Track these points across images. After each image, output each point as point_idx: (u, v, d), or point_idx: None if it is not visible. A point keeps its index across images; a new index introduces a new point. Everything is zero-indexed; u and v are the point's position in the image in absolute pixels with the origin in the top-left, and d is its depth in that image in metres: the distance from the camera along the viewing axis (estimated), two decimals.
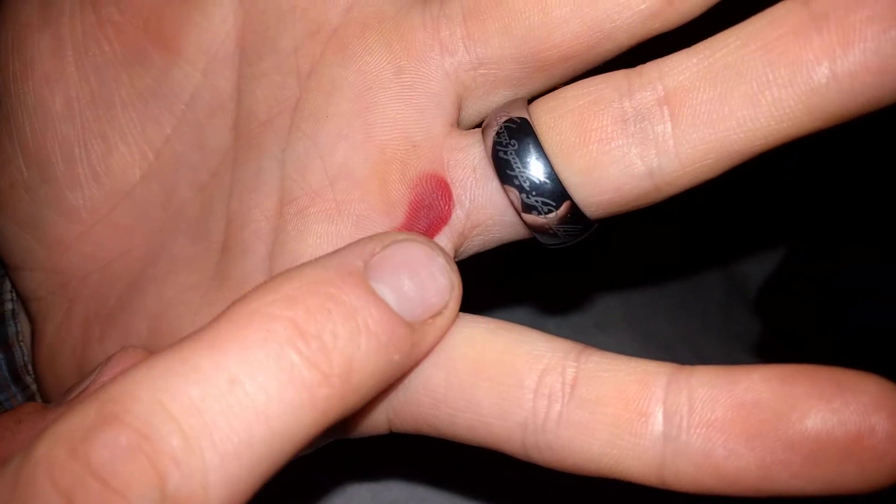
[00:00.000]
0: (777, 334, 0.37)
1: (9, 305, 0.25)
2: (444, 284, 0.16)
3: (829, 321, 0.36)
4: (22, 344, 0.24)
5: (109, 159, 0.21)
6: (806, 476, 0.15)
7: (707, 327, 0.36)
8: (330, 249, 0.19)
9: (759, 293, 0.39)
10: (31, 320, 0.23)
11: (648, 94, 0.17)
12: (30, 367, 0.24)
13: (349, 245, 0.16)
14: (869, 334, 0.34)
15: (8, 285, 0.25)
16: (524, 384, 0.17)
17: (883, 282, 0.34)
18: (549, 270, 0.34)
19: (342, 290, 0.15)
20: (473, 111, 0.20)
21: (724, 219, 0.37)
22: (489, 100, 0.19)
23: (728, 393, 0.15)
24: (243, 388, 0.13)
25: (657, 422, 0.16)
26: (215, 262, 0.20)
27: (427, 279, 0.16)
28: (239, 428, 0.13)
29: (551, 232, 0.18)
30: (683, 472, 0.15)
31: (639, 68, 0.17)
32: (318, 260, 0.16)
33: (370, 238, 0.16)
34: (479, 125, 0.20)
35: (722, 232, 0.38)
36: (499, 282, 0.32)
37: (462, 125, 0.20)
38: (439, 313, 0.16)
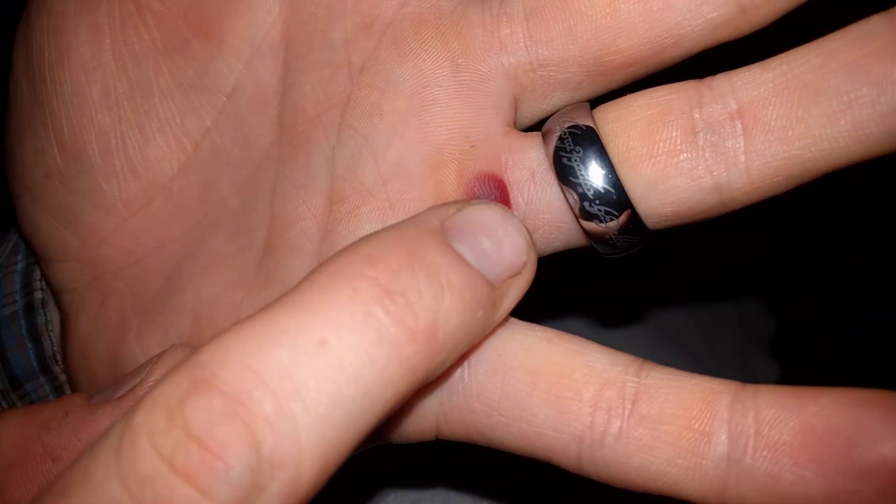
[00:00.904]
0: (790, 334, 0.37)
1: (38, 294, 0.24)
2: (521, 244, 0.16)
3: (837, 322, 0.36)
4: (51, 334, 0.24)
5: (146, 151, 0.21)
6: None
7: (722, 325, 0.36)
8: None
9: (774, 292, 0.39)
10: (63, 311, 0.23)
11: (720, 107, 0.17)
12: (58, 358, 0.24)
13: (423, 211, 0.16)
14: (876, 335, 0.34)
15: (37, 274, 0.24)
16: (582, 397, 0.16)
17: (891, 283, 0.34)
18: (564, 269, 0.34)
19: (424, 248, 0.15)
20: (528, 113, 0.19)
21: (742, 217, 0.36)
22: (546, 102, 0.19)
23: (797, 416, 0.15)
24: (332, 349, 0.13)
25: (721, 442, 0.15)
26: (257, 260, 0.20)
27: (504, 238, 0.16)
28: (329, 389, 0.13)
29: (610, 241, 0.18)
30: (747, 496, 0.15)
31: (709, 80, 0.17)
32: (394, 225, 0.16)
33: (444, 203, 0.16)
34: (531, 128, 0.19)
35: (740, 230, 0.38)
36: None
37: (516, 128, 0.19)
38: (518, 273, 0.16)
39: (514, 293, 0.16)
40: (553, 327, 0.18)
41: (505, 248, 0.16)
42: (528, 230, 0.17)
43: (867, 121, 0.15)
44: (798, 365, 0.34)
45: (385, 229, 0.15)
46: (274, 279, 0.19)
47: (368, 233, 0.18)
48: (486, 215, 0.16)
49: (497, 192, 0.18)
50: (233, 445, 0.13)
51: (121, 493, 0.12)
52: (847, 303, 0.36)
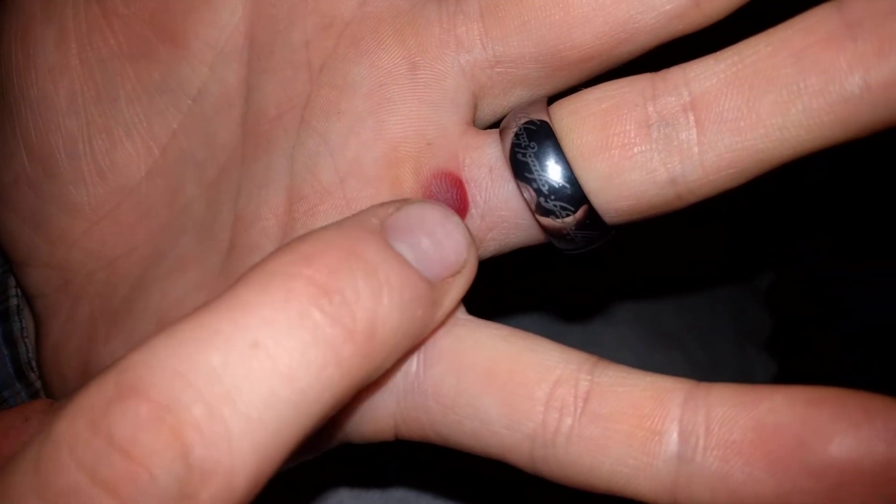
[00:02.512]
0: (785, 330, 0.37)
1: (13, 301, 0.24)
2: (461, 242, 0.16)
3: (831, 318, 0.35)
4: (27, 340, 0.24)
5: (114, 155, 0.21)
6: None
7: (717, 322, 0.36)
8: None
9: (769, 289, 0.38)
10: (36, 317, 0.23)
11: (673, 99, 0.16)
12: (34, 364, 0.24)
13: (363, 210, 0.16)
14: (869, 332, 0.34)
15: (12, 281, 0.24)
16: (535, 395, 0.16)
17: (884, 280, 0.34)
18: (557, 266, 0.33)
19: (362, 247, 0.15)
20: (489, 111, 0.19)
21: (734, 215, 0.36)
22: (506, 99, 0.19)
23: (748, 414, 0.15)
24: (266, 351, 0.13)
25: (672, 441, 0.15)
26: (222, 261, 0.20)
27: (444, 238, 0.16)
28: (263, 392, 0.13)
29: (568, 237, 0.18)
30: (697, 496, 0.15)
31: (663, 72, 0.17)
32: (333, 224, 0.15)
33: (383, 203, 0.16)
34: (494, 125, 0.19)
35: (732, 228, 0.37)
36: (508, 277, 0.32)
37: (477, 125, 0.19)
38: (458, 272, 0.16)
39: (455, 292, 0.16)
40: (541, 327, 0.18)
41: (445, 246, 0.16)
42: (469, 229, 0.16)
43: (817, 109, 0.15)
44: (795, 361, 0.34)
45: (323, 228, 0.15)
46: (235, 278, 0.19)
47: None
48: (426, 214, 0.16)
49: (454, 189, 0.18)
50: (158, 453, 0.12)
51: None
52: (841, 299, 0.35)
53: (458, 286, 0.16)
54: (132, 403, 0.12)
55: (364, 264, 0.14)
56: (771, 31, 0.16)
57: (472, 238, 0.16)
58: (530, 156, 0.17)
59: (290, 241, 0.15)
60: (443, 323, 0.17)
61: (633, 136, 0.17)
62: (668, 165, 0.16)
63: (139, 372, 0.13)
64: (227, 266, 0.20)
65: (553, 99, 0.18)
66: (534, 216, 0.17)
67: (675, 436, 0.15)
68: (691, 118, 0.16)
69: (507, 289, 0.31)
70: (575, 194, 0.17)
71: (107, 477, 0.12)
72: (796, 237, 0.37)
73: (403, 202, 0.16)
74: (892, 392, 0.14)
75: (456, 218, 0.16)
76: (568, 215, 0.17)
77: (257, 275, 0.14)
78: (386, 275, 0.14)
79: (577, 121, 0.17)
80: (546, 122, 0.17)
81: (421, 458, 0.27)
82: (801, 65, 0.15)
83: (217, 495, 0.13)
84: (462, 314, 0.18)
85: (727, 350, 0.35)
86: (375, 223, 0.15)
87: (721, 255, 0.37)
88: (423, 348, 0.17)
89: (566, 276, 0.33)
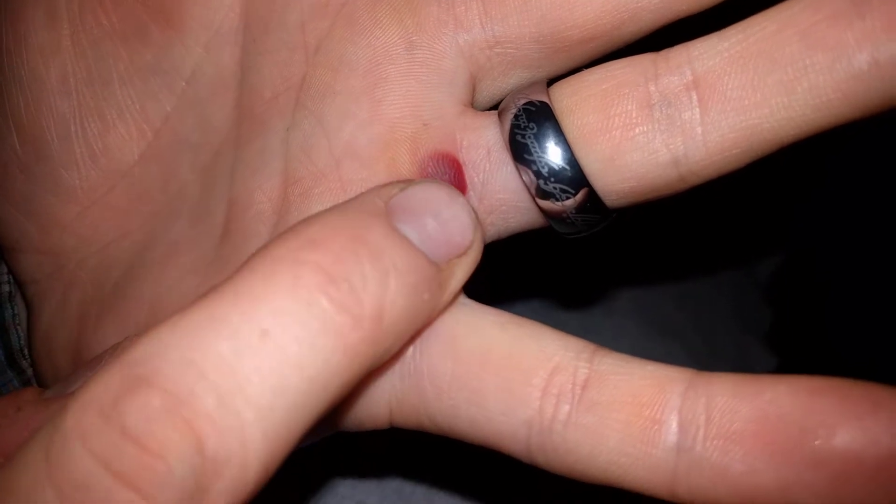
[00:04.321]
0: (786, 323, 0.37)
1: (5, 288, 0.24)
2: (467, 223, 0.16)
3: (831, 310, 0.35)
4: (18, 327, 0.24)
5: (107, 138, 0.20)
6: (829, 498, 0.13)
7: (717, 315, 0.36)
8: None
9: (770, 281, 0.38)
10: (28, 304, 0.22)
11: (676, 78, 0.16)
12: (26, 352, 0.24)
13: (366, 191, 0.16)
14: (870, 325, 0.34)
15: (4, 267, 0.24)
16: (532, 382, 0.16)
17: (886, 272, 0.34)
18: (558, 256, 0.33)
19: (367, 230, 0.14)
20: (487, 93, 0.19)
21: (735, 206, 0.36)
22: (505, 81, 0.18)
23: (750, 404, 0.14)
24: (275, 340, 0.13)
25: (671, 431, 0.15)
26: (215, 247, 0.20)
27: (450, 219, 0.16)
28: (273, 381, 0.13)
29: (568, 220, 0.17)
30: (697, 487, 0.14)
31: (665, 52, 0.16)
32: (336, 206, 0.15)
33: (387, 183, 0.16)
34: (493, 108, 0.19)
35: (733, 220, 0.37)
36: (508, 266, 0.31)
37: (475, 108, 0.19)
38: (465, 253, 0.16)
39: (461, 274, 0.16)
40: (538, 316, 0.17)
41: (450, 228, 0.15)
42: (474, 209, 0.16)
43: (824, 87, 0.15)
44: (796, 354, 0.34)
45: (327, 211, 0.15)
46: (230, 265, 0.19)
47: None
48: (431, 194, 0.16)
49: (451, 171, 0.18)
50: (174, 445, 0.12)
51: (54, 500, 0.12)
52: (838, 294, 0.35)
53: (464, 268, 0.16)
54: (143, 394, 0.12)
55: (370, 249, 0.14)
56: (776, 8, 0.15)
57: (478, 218, 0.16)
58: (530, 137, 0.17)
59: (295, 225, 0.15)
60: (450, 304, 0.17)
61: (634, 116, 0.16)
62: (671, 146, 0.16)
63: (150, 362, 0.12)
64: (220, 251, 0.19)
65: (553, 82, 0.18)
66: (533, 199, 0.17)
67: (674, 425, 0.15)
68: (694, 97, 0.16)
69: (504, 277, 0.31)
70: (575, 177, 0.16)
71: (122, 469, 0.12)
72: (797, 228, 0.37)
73: (408, 182, 0.16)
74: (893, 385, 0.14)
75: (462, 198, 0.16)
76: (568, 198, 0.17)
77: (263, 261, 0.14)
78: (392, 259, 0.14)
79: (577, 101, 0.17)
80: (546, 103, 0.17)
81: (417, 448, 0.26)
82: (807, 42, 0.15)
83: (231, 486, 0.12)
84: (462, 298, 0.18)
85: (727, 342, 0.35)
86: (380, 205, 0.15)
87: (721, 246, 0.37)
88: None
89: (565, 265, 0.33)
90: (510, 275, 0.31)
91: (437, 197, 0.16)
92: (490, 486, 0.27)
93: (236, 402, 0.12)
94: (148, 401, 0.12)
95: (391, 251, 0.14)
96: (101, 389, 0.12)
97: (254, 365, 0.13)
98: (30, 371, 0.24)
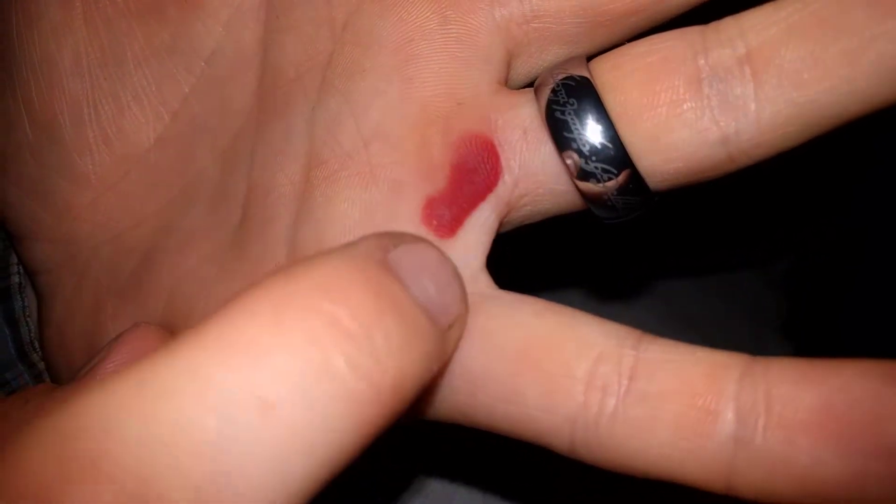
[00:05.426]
0: (800, 315, 0.36)
1: (15, 279, 0.23)
2: (458, 292, 0.14)
3: (841, 303, 0.35)
4: (29, 320, 0.23)
5: (121, 121, 0.19)
6: None
7: (733, 306, 0.35)
8: (362, 218, 0.17)
9: (786, 272, 0.38)
10: (39, 295, 0.22)
11: (728, 51, 0.15)
12: (36, 345, 0.23)
13: (360, 239, 0.13)
14: (886, 315, 0.33)
15: (14, 258, 0.23)
16: (574, 374, 0.15)
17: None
18: (578, 249, 0.33)
19: (383, 285, 0.12)
20: (523, 71, 0.18)
21: (751, 197, 0.35)
22: (541, 58, 0.18)
23: (815, 391, 0.13)
24: (278, 415, 0.10)
25: (728, 421, 0.14)
26: (233, 232, 0.19)
27: (446, 285, 0.14)
28: (275, 467, 0.10)
29: (609, 203, 0.16)
30: (757, 481, 0.14)
31: (715, 24, 0.15)
32: (334, 249, 0.13)
33: (377, 234, 0.14)
34: (529, 85, 0.18)
35: (749, 210, 0.37)
36: (527, 258, 0.31)
37: (510, 87, 0.18)
38: (455, 322, 0.14)
39: (454, 345, 0.14)
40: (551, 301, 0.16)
41: (447, 294, 0.14)
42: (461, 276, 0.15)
43: (893, 58, 0.14)
44: (812, 345, 0.33)
45: (326, 253, 0.12)
46: (248, 251, 0.18)
47: (347, 200, 0.17)
48: (427, 256, 0.14)
49: (484, 153, 0.17)
50: None
51: None
52: (852, 284, 0.35)
53: (454, 339, 0.14)
54: (90, 485, 0.09)
55: (393, 305, 0.12)
56: None
57: (465, 287, 0.15)
58: (569, 113, 0.16)
59: (292, 264, 0.12)
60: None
61: (682, 92, 0.15)
62: (722, 123, 0.15)
63: (99, 436, 0.10)
64: (239, 237, 0.19)
65: (591, 58, 0.17)
66: (572, 180, 0.16)
67: (730, 416, 0.14)
68: (747, 72, 0.15)
69: (523, 269, 0.30)
70: (618, 155, 0.16)
71: None
72: (813, 221, 0.36)
73: (399, 237, 0.14)
74: None
75: (451, 263, 0.14)
76: (610, 179, 0.16)
77: (262, 304, 0.11)
78: (414, 321, 0.12)
79: (619, 76, 0.16)
80: (587, 78, 0.16)
81: (435, 444, 0.26)
82: (875, 8, 0.14)
83: None
84: (491, 289, 0.17)
85: (743, 333, 0.35)
86: (381, 257, 0.13)
87: (738, 238, 0.36)
88: None
89: (584, 259, 0.32)
90: (529, 267, 0.30)
91: (431, 259, 0.14)
92: (509, 482, 0.27)
93: (223, 498, 0.10)
94: (94, 494, 0.09)
95: (413, 311, 0.12)
96: (36, 471, 0.09)
97: (252, 451, 0.10)
98: (41, 365, 0.23)
